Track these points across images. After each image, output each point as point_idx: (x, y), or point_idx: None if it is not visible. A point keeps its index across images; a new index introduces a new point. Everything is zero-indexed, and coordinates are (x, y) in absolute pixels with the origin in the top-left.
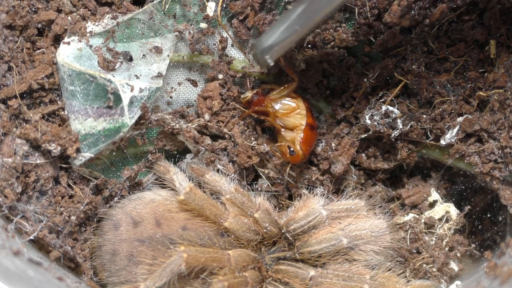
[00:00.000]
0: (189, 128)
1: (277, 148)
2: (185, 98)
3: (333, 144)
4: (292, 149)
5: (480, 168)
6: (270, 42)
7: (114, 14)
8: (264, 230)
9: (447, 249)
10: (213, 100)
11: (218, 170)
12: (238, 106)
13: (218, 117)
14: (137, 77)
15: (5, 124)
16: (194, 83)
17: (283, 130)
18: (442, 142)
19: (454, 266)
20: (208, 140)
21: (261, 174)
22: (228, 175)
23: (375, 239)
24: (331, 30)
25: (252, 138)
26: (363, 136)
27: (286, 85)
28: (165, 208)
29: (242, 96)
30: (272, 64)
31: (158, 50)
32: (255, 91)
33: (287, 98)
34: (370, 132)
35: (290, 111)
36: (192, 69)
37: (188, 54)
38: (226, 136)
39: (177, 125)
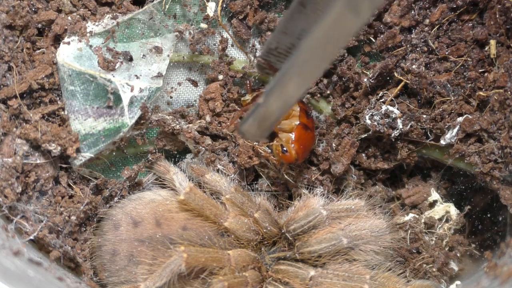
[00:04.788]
0: (190, 128)
1: (270, 147)
2: (185, 98)
3: (334, 145)
4: (284, 148)
5: (480, 168)
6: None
7: (114, 14)
8: (264, 230)
9: (447, 249)
10: (216, 101)
11: (218, 170)
12: (240, 109)
13: (220, 118)
14: (137, 77)
15: (5, 124)
16: (195, 83)
17: (280, 133)
18: (442, 142)
19: (454, 266)
20: (208, 140)
21: (261, 174)
22: (228, 175)
23: (375, 239)
24: None
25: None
26: (363, 136)
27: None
28: (165, 208)
29: (242, 99)
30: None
31: (158, 50)
32: (255, 94)
33: None
34: (370, 132)
35: (286, 116)
36: (192, 69)
37: (188, 54)
38: (228, 137)
39: (178, 126)
